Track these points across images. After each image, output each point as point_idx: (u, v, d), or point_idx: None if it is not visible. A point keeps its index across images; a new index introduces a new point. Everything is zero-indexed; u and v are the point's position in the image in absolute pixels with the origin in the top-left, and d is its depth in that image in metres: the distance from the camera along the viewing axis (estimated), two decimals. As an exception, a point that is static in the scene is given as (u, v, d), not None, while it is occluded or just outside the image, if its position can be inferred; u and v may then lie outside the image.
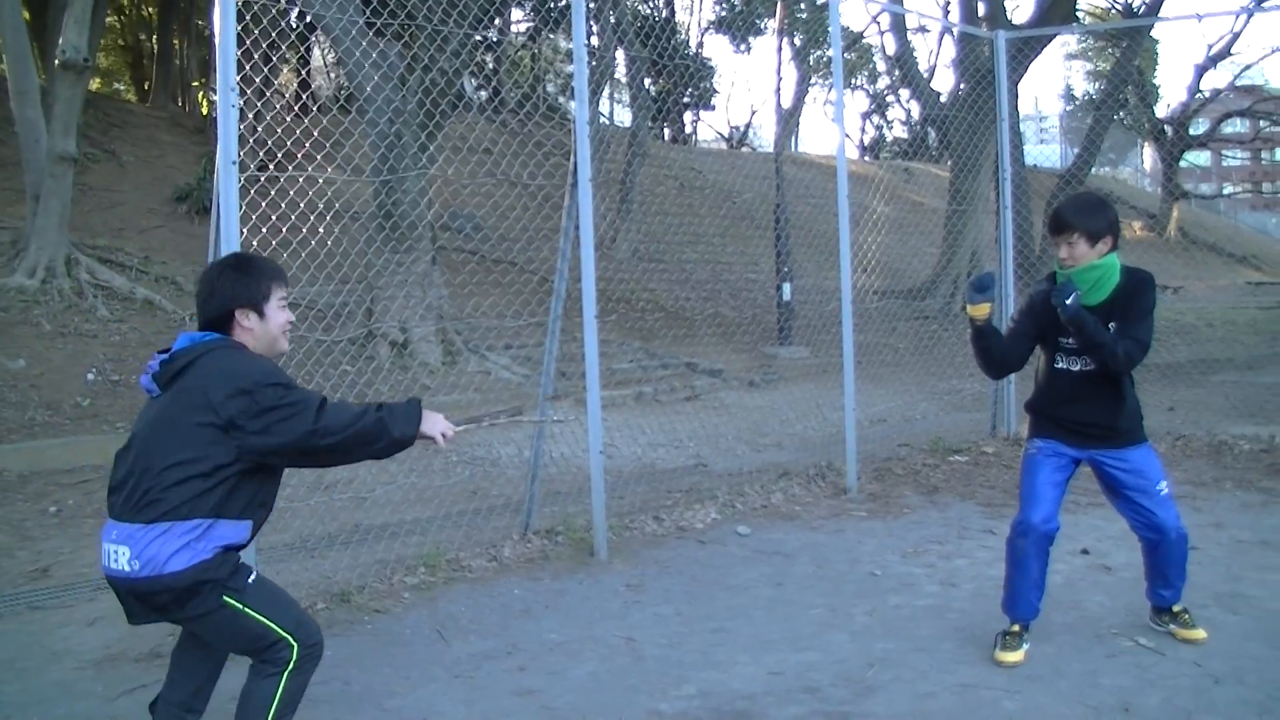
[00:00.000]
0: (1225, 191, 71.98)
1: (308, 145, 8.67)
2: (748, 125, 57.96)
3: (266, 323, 4.42)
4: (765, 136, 57.26)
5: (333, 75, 32.28)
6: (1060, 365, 5.89)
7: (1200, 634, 6.01)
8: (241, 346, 4.35)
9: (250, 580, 4.32)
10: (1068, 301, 5.59)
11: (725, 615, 6.68)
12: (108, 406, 13.25)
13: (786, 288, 21.45)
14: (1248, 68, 57.92)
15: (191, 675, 4.57)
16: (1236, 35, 48.93)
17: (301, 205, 8.11)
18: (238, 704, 4.40)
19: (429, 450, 11.85)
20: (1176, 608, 6.13)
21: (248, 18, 7.01)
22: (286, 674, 4.37)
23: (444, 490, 10.13)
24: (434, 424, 4.48)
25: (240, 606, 4.24)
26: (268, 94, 20.87)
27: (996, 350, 6.04)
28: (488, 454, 12.04)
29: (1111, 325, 5.66)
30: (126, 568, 4.12)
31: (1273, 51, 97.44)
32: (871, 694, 5.42)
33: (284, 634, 4.34)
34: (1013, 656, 5.83)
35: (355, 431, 4.26)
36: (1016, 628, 6.00)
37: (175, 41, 31.93)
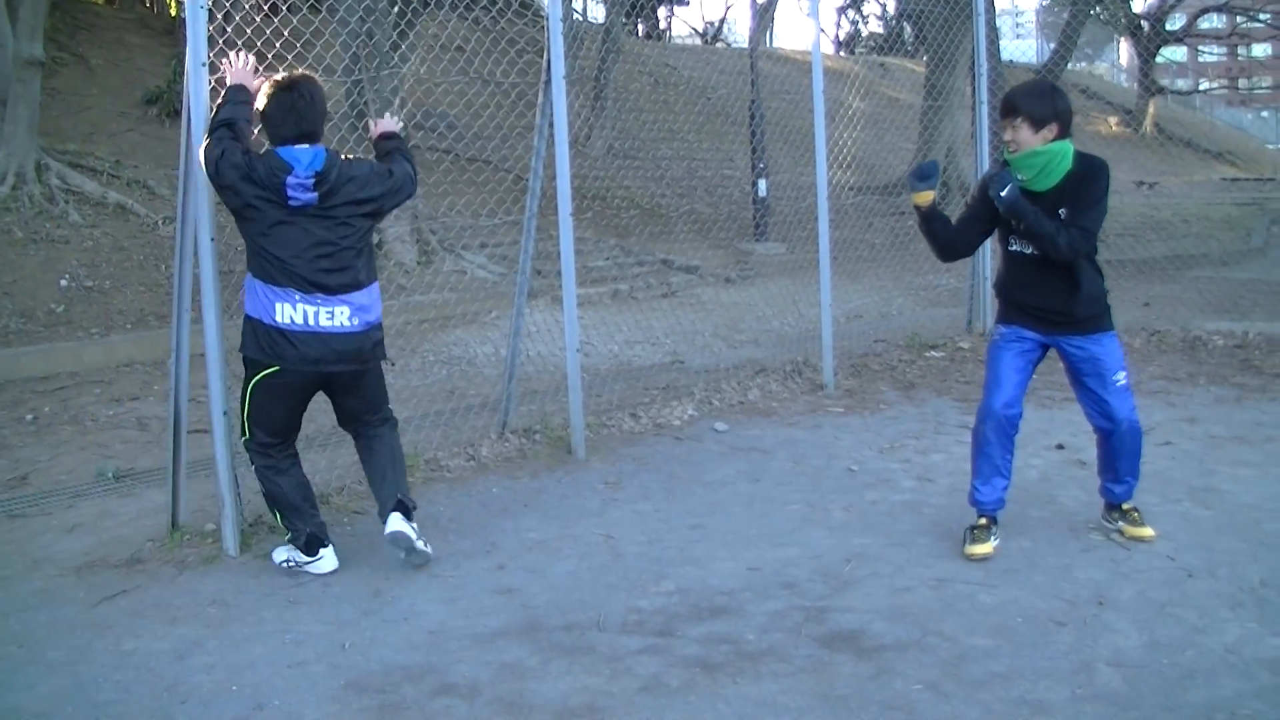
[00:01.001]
0: (1201, 87, 71.59)
1: (278, 45, 8.55)
2: (722, 20, 57.53)
3: None
4: (740, 32, 56.60)
5: (302, -28, 31.84)
6: (1014, 248, 5.93)
7: (1148, 531, 6.07)
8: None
9: None
10: (1003, 194, 5.68)
11: (703, 512, 6.72)
12: (82, 313, 13.19)
13: (762, 184, 21.34)
14: (1225, -38, 57.51)
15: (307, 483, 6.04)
16: (1216, -72, 48.56)
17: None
18: (380, 467, 5.95)
19: (406, 350, 11.85)
20: (1126, 505, 6.18)
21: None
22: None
23: (420, 390, 10.12)
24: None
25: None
26: (236, -7, 20.65)
27: (943, 234, 6.12)
28: (464, 353, 12.04)
29: (1063, 211, 5.67)
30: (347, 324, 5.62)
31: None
32: (849, 589, 5.47)
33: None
34: (981, 549, 5.91)
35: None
36: (984, 520, 6.08)
37: (141, -59, 31.43)
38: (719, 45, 51.51)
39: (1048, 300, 5.87)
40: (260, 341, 5.55)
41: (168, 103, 19.79)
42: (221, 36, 6.50)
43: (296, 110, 5.62)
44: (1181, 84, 68.87)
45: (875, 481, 7.29)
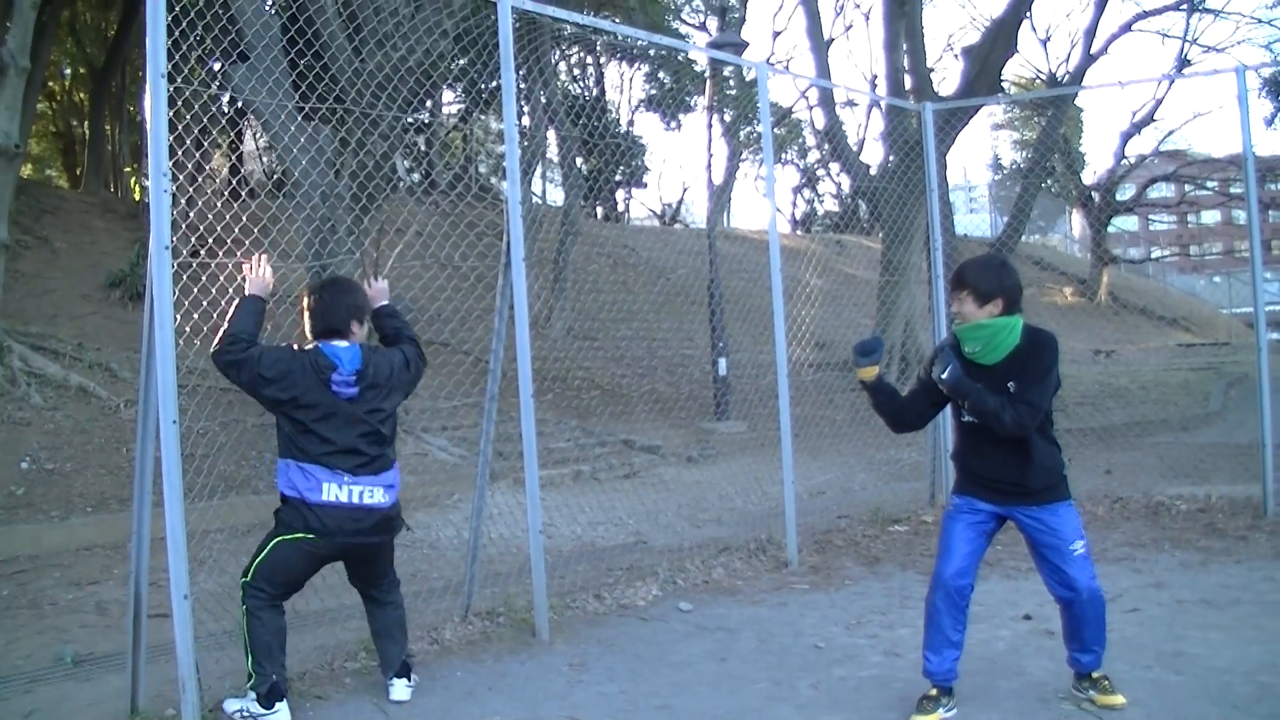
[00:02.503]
0: (1153, 255, 72.97)
1: (238, 230, 8.63)
2: (680, 202, 58.24)
3: (363, 329, 6.36)
4: (697, 212, 57.45)
5: (264, 159, 32.23)
6: (966, 419, 6.00)
7: (1119, 699, 6.02)
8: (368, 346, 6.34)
9: None
10: (944, 375, 5.82)
11: (670, 692, 6.66)
12: (42, 495, 13.09)
13: (722, 362, 21.49)
14: (1171, 133, 58.95)
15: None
16: (1159, 102, 49.89)
17: (232, 290, 8.06)
18: (389, 630, 6.58)
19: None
20: (1096, 674, 6.12)
21: (179, 103, 7.02)
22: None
23: (383, 574, 10.04)
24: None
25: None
26: (200, 179, 20.86)
27: (890, 406, 6.25)
28: (426, 536, 11.97)
29: (1011, 385, 5.74)
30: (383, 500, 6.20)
31: (1195, 117, 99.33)
32: (819, 767, 5.41)
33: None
34: (931, 718, 5.92)
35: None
36: (934, 691, 6.04)
37: (107, 127, 31.73)
38: (677, 226, 52.25)
39: (1000, 471, 5.91)
40: (305, 518, 6.03)
41: (130, 286, 19.90)
42: (184, 221, 6.58)
43: (334, 307, 6.34)
44: (1134, 252, 70.23)
45: (842, 658, 7.25)
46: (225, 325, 6.09)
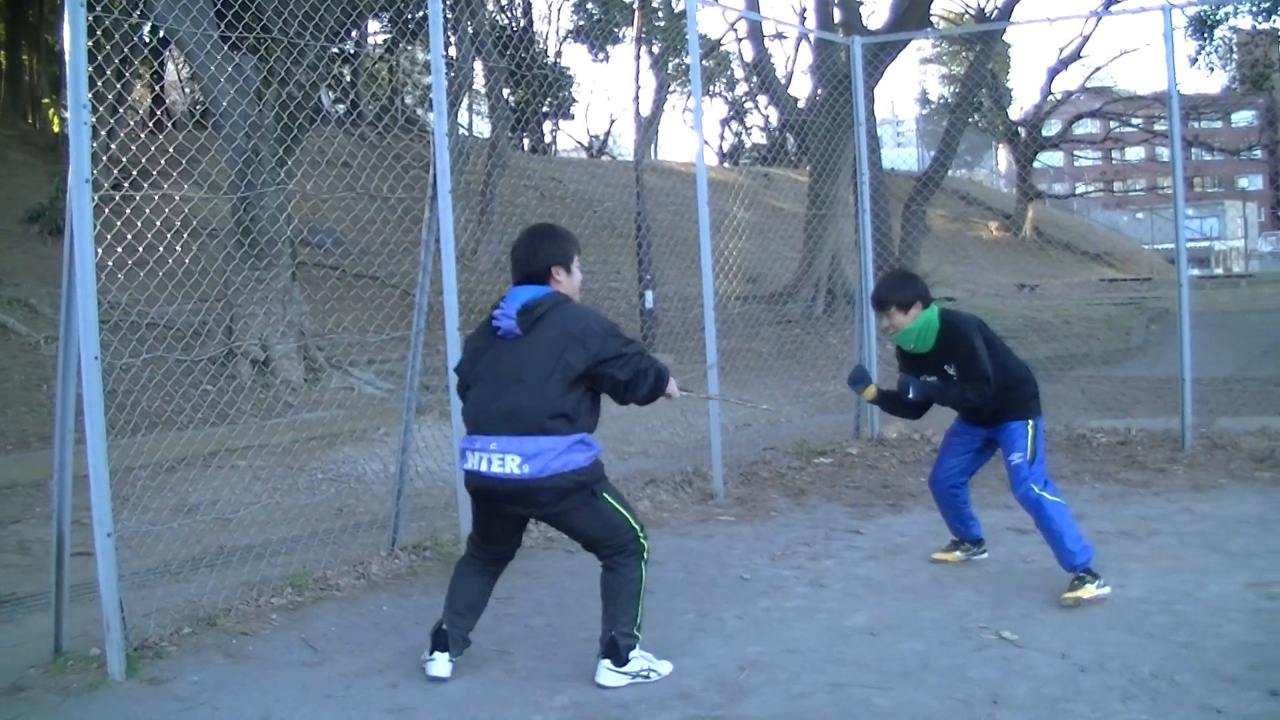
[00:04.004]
0: (1078, 191, 73.49)
1: (163, 162, 8.52)
2: (607, 134, 58.07)
3: (572, 278, 5.86)
4: (625, 145, 57.19)
5: (187, 90, 31.77)
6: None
7: (1088, 593, 6.68)
8: (568, 299, 5.76)
9: (611, 481, 5.88)
10: (910, 395, 7.04)
11: (597, 625, 6.67)
12: (-37, 431, 12.95)
13: (649, 295, 21.45)
14: (1098, 70, 59.14)
15: (477, 592, 6.00)
16: (1086, 38, 50.10)
17: (158, 223, 7.97)
18: (605, 595, 5.79)
19: (294, 469, 11.73)
20: (1074, 577, 6.79)
21: (99, 33, 6.90)
22: (644, 561, 5.80)
23: (309, 509, 10.00)
24: (673, 385, 5.91)
25: (610, 501, 5.74)
26: (121, 110, 20.54)
27: (897, 403, 7.34)
28: (353, 471, 11.93)
29: (949, 368, 6.95)
30: (517, 471, 5.47)
31: (1121, 54, 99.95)
32: (745, 697, 5.46)
33: (635, 525, 5.80)
34: (948, 555, 7.66)
35: (657, 373, 5.72)
36: (954, 539, 7.68)
37: (24, 57, 31.16)
38: (605, 158, 52.09)
39: (975, 414, 7.25)
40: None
41: (50, 219, 19.62)
42: (105, 153, 6.48)
43: None
44: (1059, 188, 70.80)
45: (768, 589, 7.31)
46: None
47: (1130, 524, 8.44)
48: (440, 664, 5.80)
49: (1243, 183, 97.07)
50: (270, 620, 6.91)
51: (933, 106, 69.65)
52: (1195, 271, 44.52)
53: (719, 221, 13.56)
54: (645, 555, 5.80)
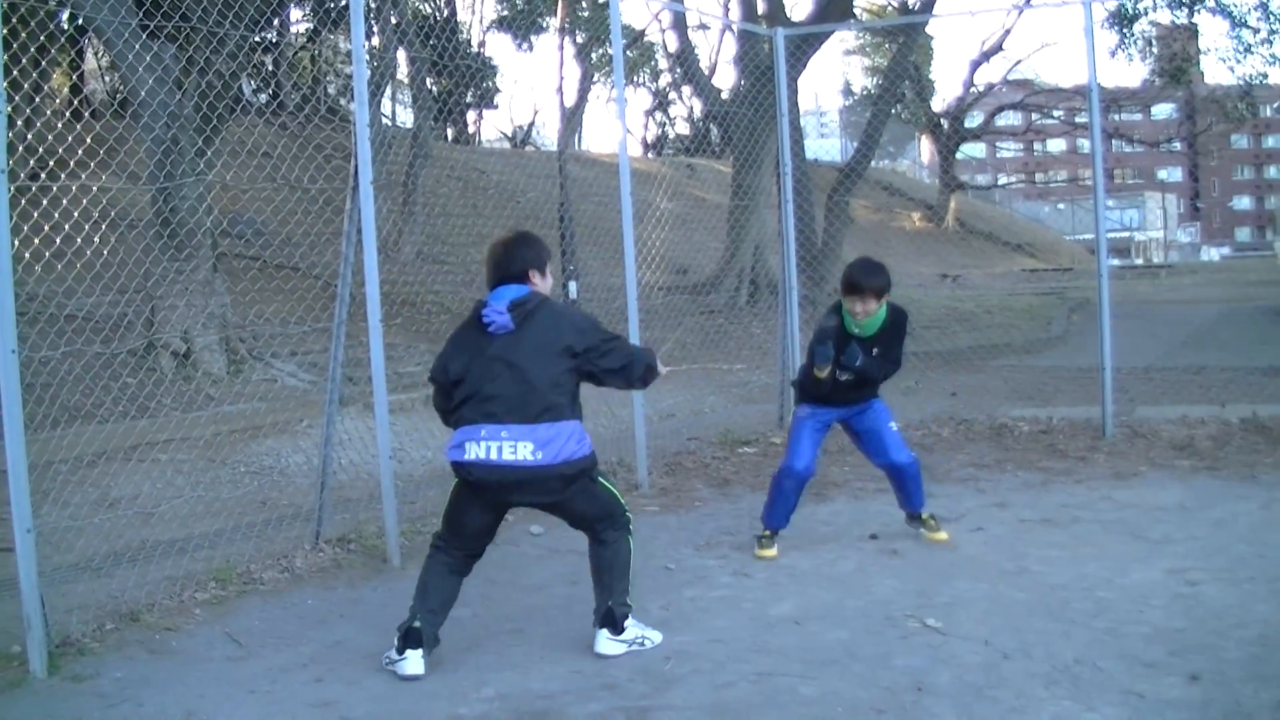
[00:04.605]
0: (1000, 182, 74.10)
1: (81, 152, 8.43)
2: (531, 124, 57.83)
3: (546, 281, 6.14)
4: (549, 135, 57.11)
5: (106, 79, 31.40)
6: (842, 378, 7.47)
7: (943, 536, 7.78)
8: (548, 298, 6.05)
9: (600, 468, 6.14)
10: (856, 364, 7.30)
11: (522, 616, 6.70)
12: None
13: (572, 286, 21.49)
14: (1019, 62, 59.95)
15: (449, 590, 6.10)
16: (1008, 31, 50.71)
17: (76, 214, 7.93)
18: (598, 568, 6.06)
19: (216, 461, 11.64)
20: (924, 514, 7.85)
21: (14, 18, 6.82)
22: (630, 534, 6.14)
23: (232, 502, 9.93)
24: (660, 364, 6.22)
25: (604, 483, 6.09)
26: (38, 99, 20.26)
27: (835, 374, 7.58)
28: (276, 463, 11.85)
29: (876, 350, 7.39)
30: (530, 458, 5.69)
31: (1043, 47, 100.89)
32: (671, 687, 5.48)
33: (623, 503, 6.16)
34: (770, 551, 7.68)
35: (645, 364, 6.09)
36: (768, 532, 7.75)
37: (-63, 46, 30.74)
38: (528, 149, 51.90)
39: (846, 395, 7.61)
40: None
41: (-36, 212, 19.31)
42: (22, 142, 6.40)
43: None
44: (981, 179, 71.38)
45: (693, 579, 7.34)
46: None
47: (1052, 512, 8.53)
48: (414, 662, 5.77)
49: (1162, 175, 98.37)
50: (194, 615, 6.86)
51: (856, 98, 69.95)
52: (1115, 262, 45.19)
53: (642, 212, 13.57)
54: (631, 528, 6.15)
